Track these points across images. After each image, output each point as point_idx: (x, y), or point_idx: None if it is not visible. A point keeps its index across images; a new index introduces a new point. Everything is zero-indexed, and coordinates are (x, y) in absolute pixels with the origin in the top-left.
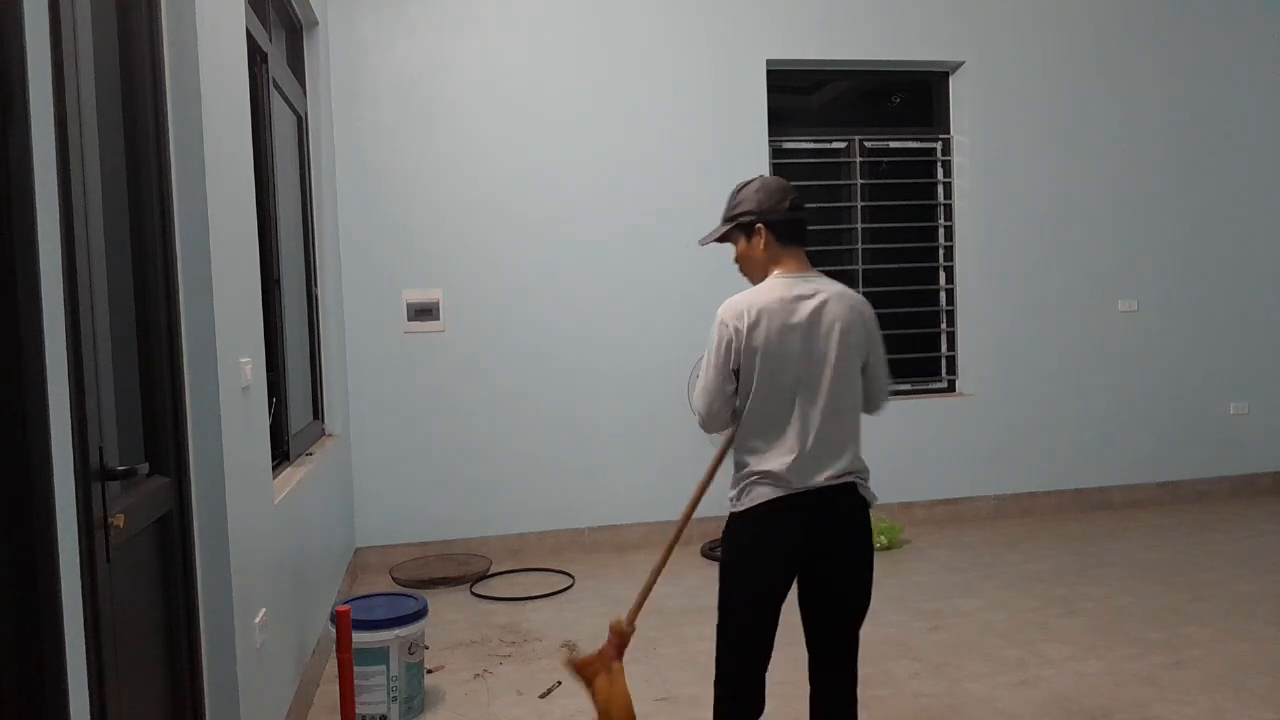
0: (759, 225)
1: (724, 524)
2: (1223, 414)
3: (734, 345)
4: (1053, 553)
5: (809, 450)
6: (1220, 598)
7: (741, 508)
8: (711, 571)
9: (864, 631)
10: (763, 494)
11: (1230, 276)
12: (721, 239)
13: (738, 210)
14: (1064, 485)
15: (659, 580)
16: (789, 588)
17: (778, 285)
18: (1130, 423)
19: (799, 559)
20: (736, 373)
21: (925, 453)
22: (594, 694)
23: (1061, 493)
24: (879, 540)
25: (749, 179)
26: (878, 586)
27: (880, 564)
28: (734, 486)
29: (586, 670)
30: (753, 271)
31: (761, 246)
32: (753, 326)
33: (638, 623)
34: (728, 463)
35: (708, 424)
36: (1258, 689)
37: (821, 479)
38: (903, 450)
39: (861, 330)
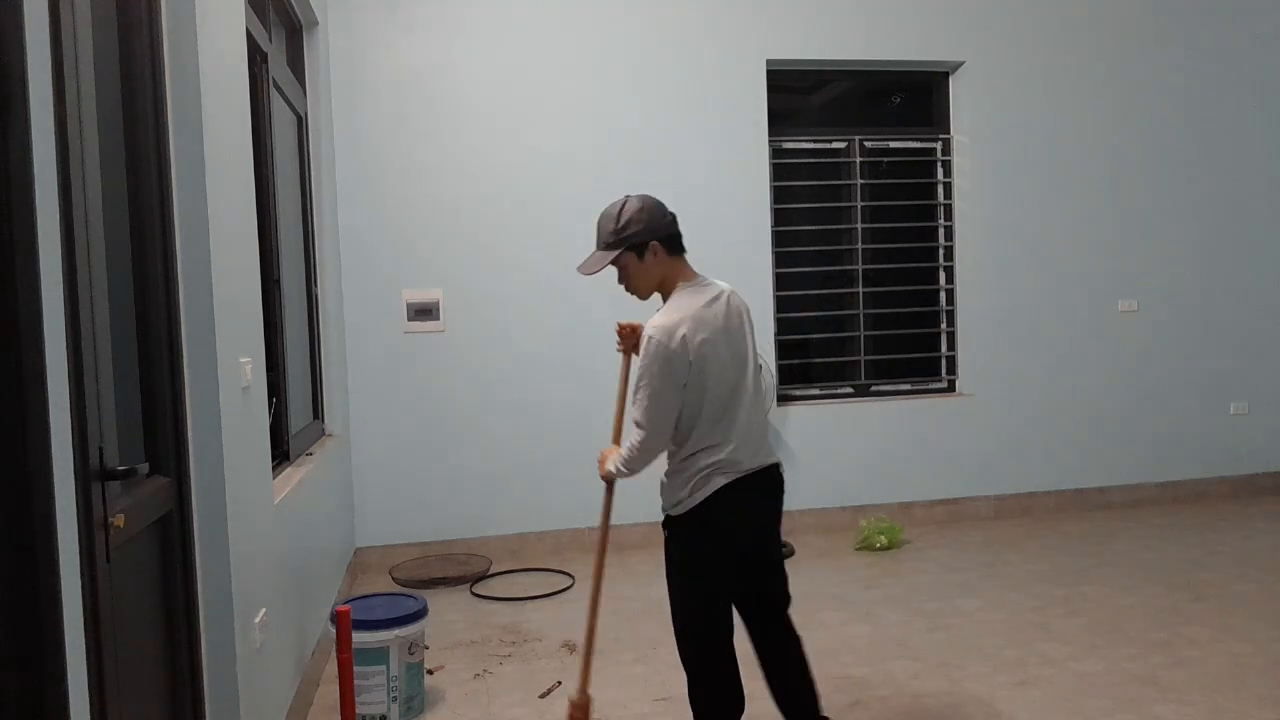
0: (652, 243)
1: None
2: (1223, 414)
3: (683, 363)
4: (1053, 553)
5: (747, 436)
6: (1220, 598)
7: (698, 500)
8: None
9: (863, 631)
10: (721, 480)
11: (1230, 276)
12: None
13: (627, 232)
14: (1064, 485)
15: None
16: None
17: (689, 296)
18: (1130, 423)
19: (754, 541)
20: (682, 388)
21: (925, 453)
22: None
23: (1061, 493)
24: (879, 540)
25: (619, 202)
26: (878, 587)
27: (880, 564)
28: (682, 487)
29: None
30: (644, 288)
31: (656, 263)
32: (692, 341)
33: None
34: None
35: (657, 441)
36: (1258, 689)
37: (760, 459)
38: (902, 450)
39: (749, 319)
